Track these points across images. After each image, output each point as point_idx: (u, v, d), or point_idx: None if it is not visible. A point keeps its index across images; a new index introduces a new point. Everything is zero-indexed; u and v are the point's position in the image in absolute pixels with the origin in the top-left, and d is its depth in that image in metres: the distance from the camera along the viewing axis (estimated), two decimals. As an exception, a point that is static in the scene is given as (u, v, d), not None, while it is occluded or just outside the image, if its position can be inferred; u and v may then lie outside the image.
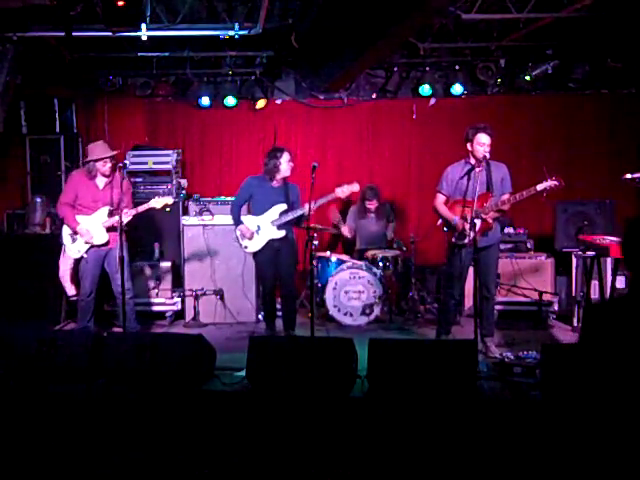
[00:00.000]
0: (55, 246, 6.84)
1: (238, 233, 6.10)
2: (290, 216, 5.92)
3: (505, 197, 5.37)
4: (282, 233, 5.97)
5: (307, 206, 5.50)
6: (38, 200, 7.10)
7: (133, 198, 6.21)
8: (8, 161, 7.68)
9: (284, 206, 5.98)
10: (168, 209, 6.91)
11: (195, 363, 4.72)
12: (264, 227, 6.00)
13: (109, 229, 5.81)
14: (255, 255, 6.21)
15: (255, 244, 6.04)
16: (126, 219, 5.68)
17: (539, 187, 5.18)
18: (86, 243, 5.82)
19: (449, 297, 5.69)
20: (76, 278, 6.83)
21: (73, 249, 5.93)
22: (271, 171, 5.98)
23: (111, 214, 5.78)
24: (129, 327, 5.78)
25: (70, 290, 6.83)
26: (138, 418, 4.21)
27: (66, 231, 5.95)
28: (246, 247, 6.11)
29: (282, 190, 6.02)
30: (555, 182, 5.12)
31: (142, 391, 4.60)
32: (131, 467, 3.66)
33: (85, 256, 5.88)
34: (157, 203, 5.85)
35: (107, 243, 5.82)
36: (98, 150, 5.83)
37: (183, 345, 4.86)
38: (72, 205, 5.87)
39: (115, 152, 5.93)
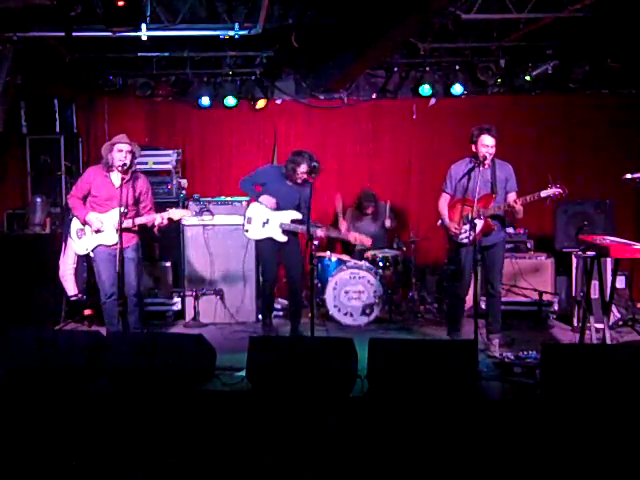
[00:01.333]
0: (55, 246, 6.86)
1: (259, 201, 6.05)
2: (299, 229, 5.93)
3: (511, 198, 5.35)
4: (284, 239, 6.00)
5: (320, 231, 5.81)
6: (38, 200, 7.09)
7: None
8: (8, 161, 7.67)
9: (298, 216, 5.98)
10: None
11: (195, 363, 4.72)
12: (271, 224, 6.02)
13: (118, 230, 5.52)
14: (258, 244, 6.24)
15: (256, 233, 6.08)
16: (140, 221, 5.59)
17: (543, 194, 5.18)
18: (96, 232, 5.54)
19: (454, 296, 5.69)
20: (77, 277, 6.84)
21: (80, 245, 5.70)
22: (289, 172, 6.00)
23: (124, 216, 5.49)
24: (134, 327, 5.75)
25: (70, 290, 6.84)
26: (138, 418, 4.21)
27: (75, 225, 5.71)
28: (247, 230, 6.14)
29: (296, 189, 6.02)
30: (559, 190, 5.13)
31: (142, 391, 4.60)
32: (131, 467, 3.66)
33: (92, 254, 5.65)
34: (175, 214, 5.64)
35: (116, 244, 5.51)
36: (117, 139, 5.62)
37: (183, 345, 4.85)
38: (83, 200, 5.65)
39: (134, 143, 5.68)
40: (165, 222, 5.66)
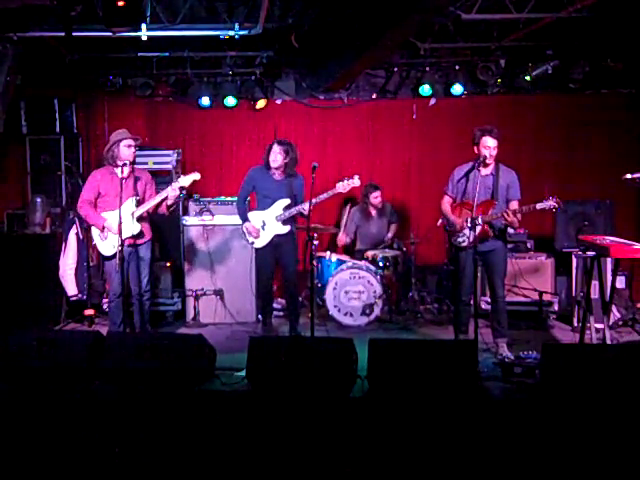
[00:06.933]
0: (55, 246, 6.86)
1: (245, 230, 6.12)
2: (294, 211, 5.95)
3: (514, 206, 5.32)
4: (287, 228, 6.01)
5: (307, 203, 5.59)
6: (38, 200, 7.09)
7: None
8: (8, 161, 7.67)
9: (287, 201, 5.99)
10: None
11: (195, 363, 4.72)
12: (269, 223, 6.02)
13: (139, 219, 5.59)
14: (257, 249, 6.22)
15: (261, 240, 6.07)
16: (155, 201, 5.61)
17: (538, 206, 5.18)
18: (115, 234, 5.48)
19: (457, 299, 5.69)
20: (77, 277, 6.84)
21: (107, 246, 5.65)
22: (265, 163, 6.04)
23: (139, 203, 5.59)
24: (141, 327, 5.77)
25: (70, 290, 6.84)
26: (138, 418, 4.21)
27: (95, 231, 5.72)
28: (252, 243, 6.14)
29: (284, 183, 6.03)
30: (554, 204, 5.14)
31: (142, 391, 4.60)
32: (131, 467, 3.65)
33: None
34: (185, 181, 5.60)
35: (140, 234, 5.61)
36: (120, 135, 5.67)
37: (183, 345, 4.86)
38: (93, 203, 5.68)
39: (139, 138, 5.78)
40: (177, 192, 5.65)
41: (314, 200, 5.67)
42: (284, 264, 6.14)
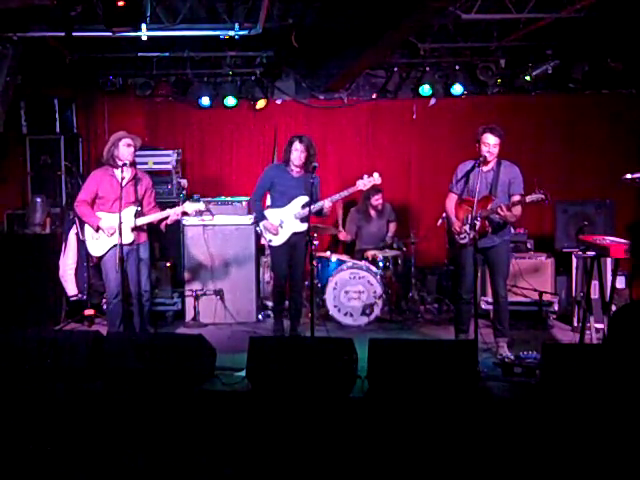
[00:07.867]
0: (55, 246, 6.86)
1: (262, 228, 6.05)
2: (313, 209, 5.80)
3: (515, 199, 5.32)
4: (305, 226, 5.86)
5: (326, 200, 5.65)
6: (38, 200, 7.08)
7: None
8: (8, 161, 7.67)
9: (306, 198, 5.86)
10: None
11: (195, 363, 4.72)
12: (287, 220, 5.96)
13: (134, 228, 5.57)
14: (273, 247, 6.16)
15: (279, 238, 6.00)
16: (156, 217, 5.61)
17: (528, 199, 5.17)
18: (110, 236, 5.51)
19: (457, 297, 5.69)
20: (77, 277, 6.84)
21: (97, 247, 5.64)
22: (287, 157, 5.98)
23: (139, 215, 5.55)
24: (142, 328, 5.76)
25: (70, 290, 6.84)
26: (138, 418, 4.21)
27: (88, 229, 5.69)
28: (270, 241, 6.05)
29: (302, 180, 5.94)
30: (541, 196, 5.13)
31: (142, 391, 4.60)
32: (131, 467, 3.66)
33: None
34: (189, 207, 5.59)
35: (132, 242, 5.58)
36: (122, 134, 5.64)
37: (183, 345, 4.86)
38: (90, 203, 5.64)
39: (139, 139, 5.77)
40: (179, 217, 5.71)
41: (334, 197, 5.65)
42: (294, 263, 6.09)
